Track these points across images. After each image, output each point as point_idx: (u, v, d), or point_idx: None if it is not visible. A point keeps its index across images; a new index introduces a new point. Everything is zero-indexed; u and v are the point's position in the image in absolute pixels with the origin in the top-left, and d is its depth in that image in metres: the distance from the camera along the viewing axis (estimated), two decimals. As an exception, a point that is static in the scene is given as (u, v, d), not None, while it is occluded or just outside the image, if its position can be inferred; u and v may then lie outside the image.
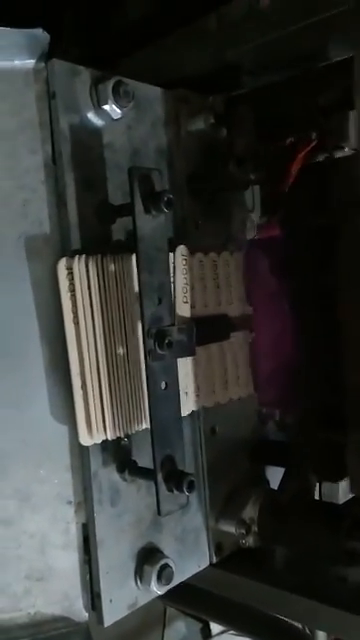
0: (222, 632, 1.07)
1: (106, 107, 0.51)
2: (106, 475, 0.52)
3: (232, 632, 1.01)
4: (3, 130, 0.48)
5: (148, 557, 0.55)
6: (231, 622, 0.80)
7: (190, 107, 0.61)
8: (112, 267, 0.50)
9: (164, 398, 0.51)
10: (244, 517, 0.63)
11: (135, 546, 0.55)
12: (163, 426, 0.50)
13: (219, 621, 0.89)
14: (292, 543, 0.64)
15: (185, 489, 0.49)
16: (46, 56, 0.49)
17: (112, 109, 0.51)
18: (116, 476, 0.53)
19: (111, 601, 0.52)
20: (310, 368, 0.62)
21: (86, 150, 0.51)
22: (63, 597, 0.51)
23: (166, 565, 0.55)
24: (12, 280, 0.48)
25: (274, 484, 0.69)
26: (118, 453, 0.53)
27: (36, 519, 0.49)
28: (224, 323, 0.63)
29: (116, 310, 0.51)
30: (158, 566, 0.55)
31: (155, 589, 0.55)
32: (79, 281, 0.49)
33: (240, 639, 1.00)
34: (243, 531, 0.63)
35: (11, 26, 0.47)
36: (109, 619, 0.52)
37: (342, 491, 0.70)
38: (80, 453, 0.51)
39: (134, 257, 0.51)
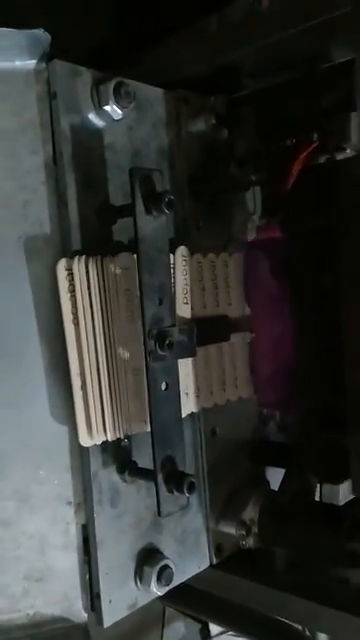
0: (221, 633, 1.06)
1: (107, 108, 0.51)
2: (106, 476, 0.52)
3: (231, 633, 1.01)
4: (4, 131, 0.48)
5: (148, 558, 0.55)
6: (231, 623, 0.80)
7: (191, 108, 0.61)
8: (112, 268, 0.50)
9: (164, 399, 0.51)
10: (244, 518, 0.63)
11: (135, 547, 0.55)
12: (163, 427, 0.50)
13: (218, 622, 0.89)
14: (292, 544, 0.64)
15: (185, 490, 0.49)
16: (47, 57, 0.49)
17: (113, 110, 0.51)
18: (116, 477, 0.53)
19: (110, 602, 0.52)
20: (310, 369, 0.62)
21: (87, 151, 0.51)
22: (62, 598, 0.51)
23: (166, 566, 0.55)
24: (12, 280, 0.48)
25: (274, 485, 0.69)
26: (118, 454, 0.53)
27: (35, 520, 0.49)
28: (224, 324, 0.63)
29: (116, 311, 0.51)
30: (158, 567, 0.55)
31: (155, 590, 0.55)
32: (79, 282, 0.49)
33: (239, 640, 1.00)
34: (243, 532, 0.63)
35: (12, 27, 0.47)
36: (108, 620, 0.52)
37: (342, 492, 0.70)
38: (80, 454, 0.51)
39: (135, 258, 0.51)
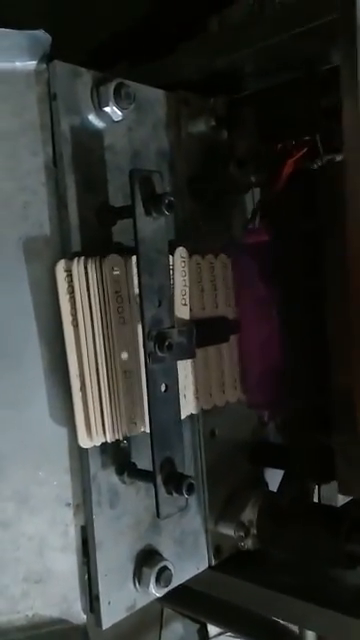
0: (219, 634, 1.06)
1: (107, 109, 0.51)
2: (105, 477, 0.52)
3: (230, 634, 1.01)
4: (4, 132, 0.48)
5: (147, 559, 0.55)
6: (229, 624, 0.80)
7: (191, 109, 0.61)
8: (112, 269, 0.50)
9: (164, 400, 0.51)
10: (243, 520, 0.63)
11: (134, 548, 0.55)
12: (163, 428, 0.50)
13: (217, 623, 0.89)
14: (291, 546, 0.64)
15: (184, 492, 0.49)
16: (47, 58, 0.49)
17: (113, 111, 0.51)
18: (115, 478, 0.53)
19: (109, 603, 0.52)
20: (297, 370, 0.62)
21: (87, 152, 0.51)
22: (61, 599, 0.51)
23: (165, 567, 0.55)
24: (12, 281, 0.48)
25: (273, 486, 0.69)
26: (117, 455, 0.53)
27: (35, 521, 0.49)
28: (223, 325, 0.63)
29: (115, 312, 0.51)
30: (157, 568, 0.54)
31: (154, 591, 0.55)
32: (78, 283, 0.49)
33: (237, 641, 1.00)
34: (242, 534, 0.63)
35: (12, 27, 0.47)
36: (107, 621, 0.52)
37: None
38: (79, 455, 0.51)
39: (134, 259, 0.51)
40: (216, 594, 0.66)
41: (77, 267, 0.49)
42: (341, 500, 0.70)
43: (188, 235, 0.60)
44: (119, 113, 0.51)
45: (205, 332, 0.58)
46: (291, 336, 0.62)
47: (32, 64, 0.49)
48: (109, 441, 0.50)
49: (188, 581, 0.61)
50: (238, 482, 0.65)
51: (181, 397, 0.54)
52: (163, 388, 0.51)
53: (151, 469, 0.50)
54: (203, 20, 0.69)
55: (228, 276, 0.63)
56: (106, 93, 0.50)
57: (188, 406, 0.58)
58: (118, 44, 0.76)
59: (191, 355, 0.54)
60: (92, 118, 0.51)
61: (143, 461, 0.53)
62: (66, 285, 0.49)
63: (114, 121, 0.52)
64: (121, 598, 0.53)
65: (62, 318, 0.49)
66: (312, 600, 0.59)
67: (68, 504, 0.51)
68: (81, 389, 0.49)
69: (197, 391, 0.59)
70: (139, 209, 0.49)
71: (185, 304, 0.57)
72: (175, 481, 0.50)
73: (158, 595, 0.55)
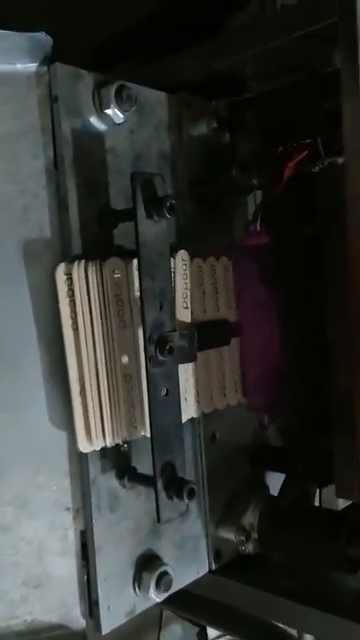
0: (219, 637, 1.06)
1: (109, 111, 0.51)
2: (105, 482, 0.52)
3: (229, 637, 1.01)
4: (4, 134, 0.47)
5: (147, 564, 0.55)
6: (229, 628, 0.80)
7: (193, 111, 0.60)
8: (112, 272, 0.50)
9: (165, 404, 0.51)
10: (244, 524, 0.62)
11: (134, 553, 0.54)
12: (163, 433, 0.50)
13: (217, 627, 0.89)
14: (292, 550, 0.64)
15: (185, 497, 0.49)
16: (49, 60, 0.49)
17: (115, 113, 0.51)
18: (115, 483, 0.53)
19: (109, 608, 0.52)
20: (297, 373, 0.62)
21: (88, 155, 0.51)
22: (60, 604, 0.51)
23: (165, 572, 0.55)
24: (12, 284, 0.48)
25: (274, 490, 0.69)
26: (117, 459, 0.53)
27: (34, 525, 0.49)
28: (224, 328, 0.63)
29: (116, 315, 0.51)
30: (157, 573, 0.54)
31: (154, 596, 0.54)
32: (78, 286, 0.48)
33: (237, 644, 1.00)
34: (243, 538, 0.62)
35: (14, 29, 0.47)
36: (107, 626, 0.52)
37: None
38: (79, 459, 0.51)
39: (135, 262, 0.50)
40: (216, 598, 0.66)
41: (77, 270, 0.48)
42: (342, 504, 0.70)
43: (189, 238, 0.60)
44: (121, 115, 0.51)
45: (206, 335, 0.58)
46: (291, 339, 0.62)
47: (33, 66, 0.48)
48: (109, 446, 0.50)
49: (188, 585, 0.61)
50: (239, 486, 0.65)
51: (182, 400, 0.54)
52: (164, 392, 0.51)
53: (151, 473, 0.50)
54: (206, 21, 0.69)
55: (229, 279, 0.63)
56: (107, 95, 0.50)
57: (189, 409, 0.58)
58: (119, 45, 0.76)
59: (192, 359, 0.54)
60: (93, 120, 0.51)
61: (143, 465, 0.53)
62: (66, 288, 0.48)
63: (116, 123, 0.52)
64: (121, 603, 0.53)
65: (62, 322, 0.48)
66: (312, 604, 0.59)
67: (68, 508, 0.51)
68: (81, 393, 0.49)
69: (198, 394, 0.59)
70: (141, 212, 0.48)
71: (186, 307, 0.57)
72: (176, 486, 0.49)
73: (158, 600, 0.55)
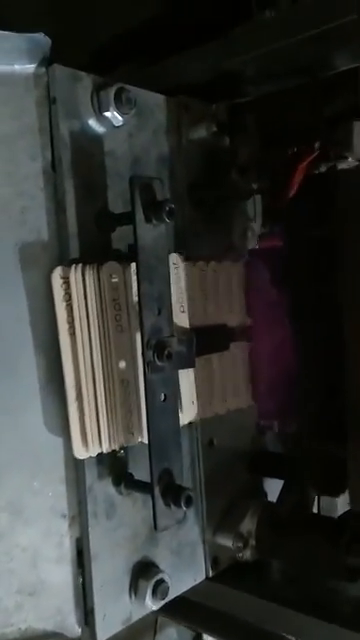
0: (215, 642, 1.05)
1: (107, 114, 0.50)
2: (101, 488, 0.51)
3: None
4: (2, 135, 0.47)
5: (143, 571, 0.54)
6: (226, 636, 0.79)
7: (192, 115, 0.60)
8: (109, 276, 0.50)
9: (162, 410, 0.50)
10: (241, 530, 0.62)
11: (130, 560, 0.54)
12: (161, 439, 0.50)
13: (214, 635, 0.88)
14: (290, 557, 0.63)
15: (183, 504, 0.48)
16: (47, 61, 0.48)
17: (114, 116, 0.50)
18: (112, 489, 0.52)
19: (105, 616, 0.51)
20: (310, 380, 0.61)
21: (86, 157, 0.50)
22: (55, 612, 0.50)
23: (161, 580, 0.54)
24: (8, 288, 0.48)
25: (271, 496, 0.68)
26: (114, 466, 0.52)
27: (29, 532, 0.48)
28: (224, 333, 0.62)
29: (113, 320, 0.50)
30: (153, 581, 0.54)
31: (150, 604, 0.54)
32: (75, 290, 0.48)
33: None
34: (240, 545, 0.62)
35: (12, 30, 0.46)
36: (102, 635, 0.51)
37: (340, 505, 0.70)
38: (75, 465, 0.50)
39: (133, 266, 0.50)
40: (213, 605, 0.65)
41: (75, 274, 0.48)
42: (340, 510, 0.69)
43: (189, 242, 0.59)
44: (120, 118, 0.51)
45: (205, 340, 0.57)
46: (303, 344, 0.61)
47: (31, 67, 0.48)
48: (105, 452, 0.50)
49: (185, 592, 0.60)
50: (237, 492, 0.64)
51: (180, 405, 0.54)
52: (162, 398, 0.50)
53: (149, 479, 0.49)
54: (206, 24, 0.68)
55: (231, 283, 0.62)
56: (106, 98, 0.50)
57: (187, 415, 0.57)
58: (119, 47, 0.76)
59: (191, 364, 0.54)
60: (92, 123, 0.51)
61: (140, 471, 0.53)
62: (62, 292, 0.48)
63: (114, 126, 0.51)
64: (117, 611, 0.53)
65: (58, 326, 0.48)
66: (311, 612, 0.58)
67: (63, 515, 0.50)
68: (77, 398, 0.49)
69: (197, 399, 0.58)
70: (139, 216, 0.48)
71: (183, 311, 0.56)
72: (173, 493, 0.49)
73: (154, 608, 0.54)
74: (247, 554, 0.62)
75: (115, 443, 0.50)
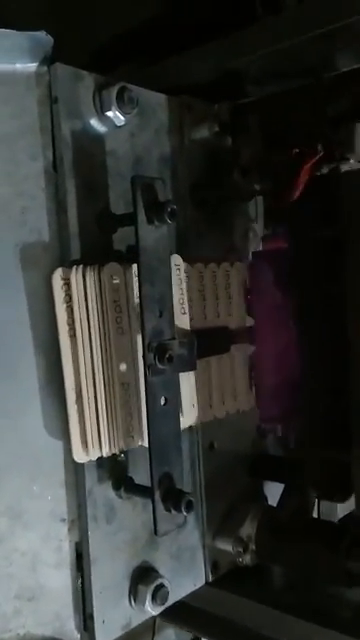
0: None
1: (109, 113, 0.50)
2: (101, 492, 0.51)
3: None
4: (3, 134, 0.46)
5: (143, 576, 0.54)
6: (225, 641, 0.78)
7: (194, 115, 0.60)
8: (110, 277, 0.49)
9: (163, 414, 0.50)
10: (241, 535, 0.61)
11: (130, 565, 0.53)
12: (162, 443, 0.49)
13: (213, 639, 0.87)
14: (290, 562, 0.63)
15: (183, 509, 0.48)
16: (49, 60, 0.48)
17: (115, 116, 0.50)
18: (112, 493, 0.51)
19: (104, 622, 0.51)
20: (314, 384, 0.61)
21: (88, 157, 0.50)
22: (54, 617, 0.49)
23: (161, 585, 0.54)
24: (9, 289, 0.47)
25: (272, 500, 0.67)
26: (114, 469, 0.51)
27: (28, 537, 0.48)
28: (224, 335, 0.62)
29: (113, 322, 0.49)
30: (153, 586, 0.53)
31: (150, 609, 0.53)
32: (76, 292, 0.47)
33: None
34: (240, 549, 0.61)
35: (14, 28, 0.46)
36: (101, 640, 0.51)
37: (340, 508, 0.69)
38: (75, 469, 0.50)
39: (134, 267, 0.49)
40: (213, 610, 0.65)
41: (75, 275, 0.47)
42: (340, 515, 0.69)
43: (190, 243, 0.59)
44: (122, 118, 0.50)
45: (206, 342, 0.57)
46: (308, 348, 0.61)
47: (33, 66, 0.47)
48: (105, 455, 0.49)
49: (185, 597, 0.59)
50: (237, 496, 0.64)
51: (180, 409, 0.53)
52: (163, 401, 0.49)
53: (149, 483, 0.49)
54: (207, 23, 0.68)
55: (230, 285, 0.62)
56: (109, 97, 0.49)
57: (187, 418, 0.57)
58: (120, 46, 0.75)
59: (192, 367, 0.53)
60: (94, 122, 0.50)
61: (140, 475, 0.52)
62: (63, 294, 0.47)
63: (116, 126, 0.51)
64: (116, 616, 0.52)
65: (58, 328, 0.47)
66: (311, 619, 0.58)
67: (63, 519, 0.49)
68: (77, 401, 0.48)
69: (197, 402, 0.58)
70: (141, 217, 0.47)
71: (184, 312, 0.56)
72: (174, 498, 0.48)
73: (154, 613, 0.54)
74: (247, 559, 0.62)
75: (115, 447, 0.49)
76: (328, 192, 0.57)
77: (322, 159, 0.58)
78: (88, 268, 0.48)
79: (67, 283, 0.47)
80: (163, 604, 0.54)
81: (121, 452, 0.51)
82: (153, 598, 0.53)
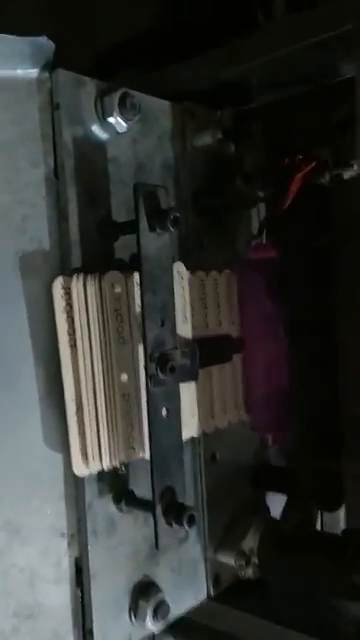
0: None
1: (111, 120, 0.49)
2: (102, 506, 0.50)
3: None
4: (3, 141, 0.45)
5: (143, 591, 0.53)
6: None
7: (197, 121, 0.59)
8: (112, 286, 0.48)
9: (165, 425, 0.49)
10: (244, 548, 0.60)
11: (130, 580, 0.52)
12: (163, 455, 0.48)
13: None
14: (293, 575, 0.61)
15: (185, 524, 0.47)
16: (50, 65, 0.47)
17: (117, 122, 0.49)
18: (112, 507, 0.50)
19: (103, 637, 0.50)
20: (305, 393, 0.60)
21: (90, 164, 0.49)
22: (53, 635, 0.48)
23: (162, 601, 0.53)
24: (8, 298, 0.46)
25: (274, 510, 0.66)
26: (115, 483, 0.50)
27: (26, 552, 0.47)
28: (226, 344, 0.61)
29: (115, 331, 0.48)
30: (154, 601, 0.52)
31: (150, 625, 0.52)
32: (77, 301, 0.46)
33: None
34: (242, 562, 0.60)
35: (15, 33, 0.45)
36: (101, 657, 0.49)
37: (344, 520, 0.68)
38: (74, 482, 0.49)
39: (135, 276, 0.48)
40: (215, 625, 0.63)
41: (76, 284, 0.46)
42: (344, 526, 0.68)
43: (191, 250, 0.58)
44: (124, 124, 0.49)
45: (208, 351, 0.56)
46: (298, 356, 0.60)
47: (34, 72, 0.47)
48: (106, 469, 0.48)
49: (186, 612, 0.58)
50: (239, 507, 0.63)
51: (182, 420, 0.52)
52: (164, 412, 0.48)
53: (150, 496, 0.48)
54: (209, 31, 0.67)
55: (232, 293, 0.61)
56: (110, 103, 0.48)
57: (189, 429, 0.56)
58: (121, 53, 0.75)
59: (194, 377, 0.52)
60: (95, 129, 0.49)
61: (142, 487, 0.51)
62: (63, 303, 0.46)
63: (118, 132, 0.50)
64: (116, 632, 0.51)
65: (58, 337, 0.46)
66: (314, 634, 0.57)
67: (62, 534, 0.48)
68: (77, 413, 0.47)
69: (199, 413, 0.57)
70: (143, 224, 0.47)
71: (186, 321, 0.55)
72: (175, 512, 0.47)
73: (155, 630, 0.53)
74: (249, 572, 0.61)
75: (116, 459, 0.48)
76: (320, 202, 0.57)
77: (315, 168, 0.58)
78: (89, 276, 0.47)
79: (68, 292, 0.46)
80: (164, 620, 0.53)
81: (122, 465, 0.50)
82: (154, 614, 0.52)
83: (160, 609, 0.52)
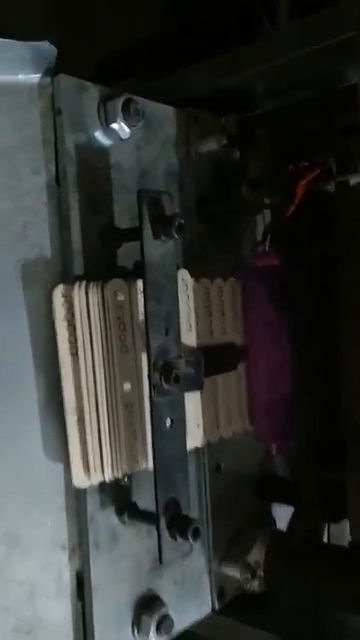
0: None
1: (115, 126, 0.48)
2: (104, 518, 0.48)
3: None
4: (4, 147, 0.45)
5: (147, 605, 0.51)
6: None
7: (202, 127, 0.58)
8: (114, 294, 0.47)
9: (169, 436, 0.48)
10: (249, 560, 0.59)
11: (133, 593, 0.51)
12: (167, 467, 0.47)
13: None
14: (300, 588, 0.60)
15: (190, 537, 0.46)
16: (52, 71, 0.46)
17: (121, 128, 0.48)
18: (114, 519, 0.49)
19: (106, 653, 0.49)
20: (308, 400, 0.59)
21: (92, 171, 0.48)
22: (54, 650, 0.47)
23: (166, 615, 0.51)
24: (9, 306, 0.45)
25: (280, 522, 0.65)
26: (117, 494, 0.49)
27: (26, 565, 0.45)
28: (231, 352, 0.60)
29: (117, 340, 0.48)
30: (157, 616, 0.51)
31: (153, 640, 0.51)
32: (78, 309, 0.46)
33: None
34: (248, 575, 0.59)
35: (16, 38, 0.44)
36: (103, 673, 0.48)
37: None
38: (76, 494, 0.48)
39: (138, 284, 0.48)
40: (219, 639, 0.62)
41: (78, 292, 0.45)
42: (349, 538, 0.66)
43: (196, 258, 0.57)
44: (127, 130, 0.49)
45: (213, 360, 0.55)
46: (302, 364, 0.59)
47: (36, 77, 0.46)
48: (108, 480, 0.47)
49: (190, 625, 0.57)
50: (244, 519, 0.62)
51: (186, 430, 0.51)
52: (168, 423, 0.48)
53: (153, 508, 0.47)
54: (211, 37, 0.67)
55: (237, 300, 0.60)
56: (114, 109, 0.48)
57: (194, 439, 0.55)
58: (123, 59, 0.74)
59: (199, 387, 0.51)
60: (98, 135, 0.49)
61: (145, 499, 0.50)
62: (64, 312, 0.45)
63: (121, 139, 0.49)
64: (118, 647, 0.50)
65: (59, 346, 0.45)
66: (322, 648, 0.55)
67: (63, 547, 0.47)
68: (78, 423, 0.46)
69: (204, 423, 0.56)
70: (147, 231, 0.46)
71: (191, 329, 0.54)
72: (180, 524, 0.46)
73: (158, 646, 0.51)
74: (255, 585, 0.60)
75: (118, 470, 0.47)
76: (325, 209, 0.56)
77: (320, 175, 0.57)
78: (91, 284, 0.46)
79: (68, 300, 0.46)
80: (167, 634, 0.52)
81: (124, 476, 0.49)
82: (157, 629, 0.51)
83: (164, 623, 0.51)
